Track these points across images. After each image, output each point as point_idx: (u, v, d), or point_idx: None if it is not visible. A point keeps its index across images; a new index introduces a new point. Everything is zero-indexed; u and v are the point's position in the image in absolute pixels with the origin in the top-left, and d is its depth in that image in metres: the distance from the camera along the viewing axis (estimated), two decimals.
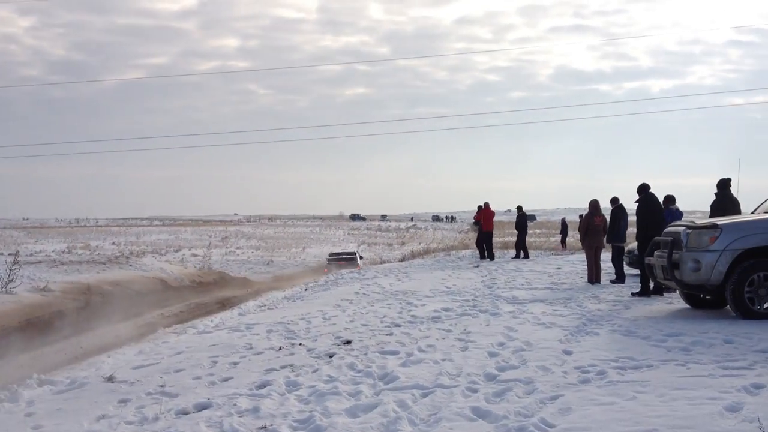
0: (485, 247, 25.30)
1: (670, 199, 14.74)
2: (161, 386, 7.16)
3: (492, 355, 8.11)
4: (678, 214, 14.26)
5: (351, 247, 45.46)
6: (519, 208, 26.50)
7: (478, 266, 22.25)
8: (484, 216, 25.24)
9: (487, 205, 25.20)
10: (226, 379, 7.36)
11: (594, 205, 16.70)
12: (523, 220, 26.12)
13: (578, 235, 18.96)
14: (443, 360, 7.91)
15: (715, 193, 13.64)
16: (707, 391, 6.06)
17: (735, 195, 13.25)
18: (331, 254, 35.96)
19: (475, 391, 6.56)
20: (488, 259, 24.70)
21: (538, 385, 6.61)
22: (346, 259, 32.83)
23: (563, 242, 37.84)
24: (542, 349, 8.26)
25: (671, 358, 7.56)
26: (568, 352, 8.05)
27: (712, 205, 13.66)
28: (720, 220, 10.40)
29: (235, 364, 8.11)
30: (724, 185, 13.67)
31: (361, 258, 35.81)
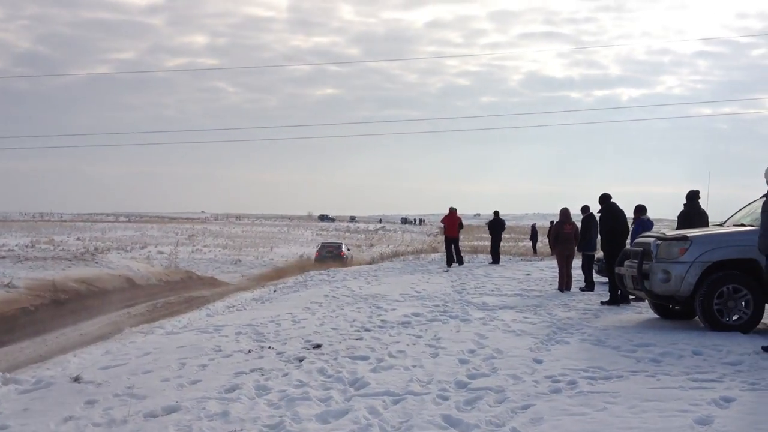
0: (453, 251, 25.15)
1: (640, 209, 14.88)
2: (129, 387, 7.04)
3: (463, 362, 8.10)
4: (648, 224, 14.39)
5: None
6: (496, 213, 26.52)
7: (447, 270, 22.28)
8: (447, 221, 25.16)
9: (452, 210, 25.04)
10: (195, 382, 7.26)
11: (564, 213, 16.78)
12: (498, 224, 26.14)
13: (548, 241, 19.04)
14: (414, 366, 7.88)
15: (684, 204, 13.78)
16: (678, 403, 6.10)
17: (704, 207, 13.41)
18: (322, 244, 44.97)
19: (446, 398, 6.54)
20: (457, 264, 24.66)
21: (509, 393, 6.61)
22: (334, 247, 42.60)
23: (534, 248, 38.00)
24: (513, 357, 8.27)
25: (641, 368, 7.60)
26: (538, 361, 8.07)
27: (680, 216, 13.81)
28: (690, 232, 10.51)
29: (204, 366, 8.00)
30: (692, 197, 13.82)
31: (348, 249, 44.58)
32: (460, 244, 25.92)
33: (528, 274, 20.52)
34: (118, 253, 39.02)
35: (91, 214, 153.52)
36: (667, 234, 10.67)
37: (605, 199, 13.77)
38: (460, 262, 24.87)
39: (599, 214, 13.90)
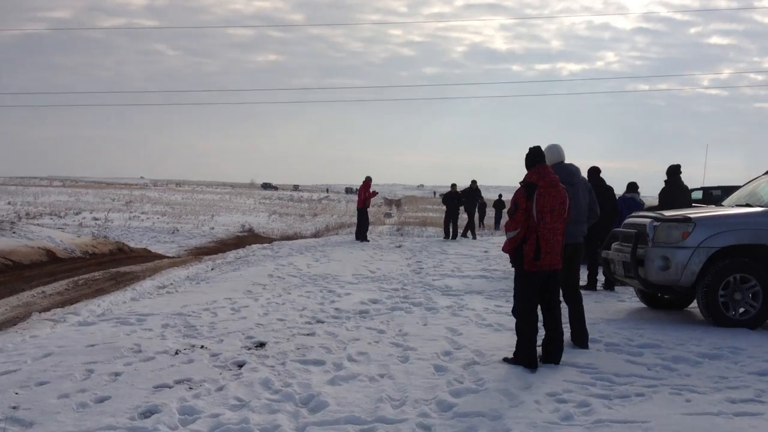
0: (360, 225, 23.45)
1: (631, 187, 13.64)
2: (13, 408, 5.38)
3: (439, 369, 6.62)
4: (635, 204, 13.11)
5: (262, 216, 44.67)
6: (453, 185, 25.05)
7: (400, 246, 20.83)
8: (360, 191, 23.49)
9: (366, 180, 23.49)
10: (102, 400, 5.61)
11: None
12: (452, 197, 24.78)
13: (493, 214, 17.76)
14: (381, 376, 6.37)
15: (665, 181, 12.63)
16: None
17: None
18: None
19: (429, 428, 5.07)
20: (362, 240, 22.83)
21: (509, 422, 5.15)
22: None
23: (481, 221, 36.76)
24: (498, 364, 6.84)
25: (657, 378, 6.25)
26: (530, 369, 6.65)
27: (662, 193, 12.64)
28: (692, 213, 9.17)
29: (117, 375, 6.33)
30: (674, 172, 12.73)
31: None
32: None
33: (486, 251, 19.19)
34: (51, 218, 36.70)
35: (24, 177, 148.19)
36: (666, 214, 9.31)
37: (594, 173, 12.34)
38: (363, 237, 23.04)
39: None
